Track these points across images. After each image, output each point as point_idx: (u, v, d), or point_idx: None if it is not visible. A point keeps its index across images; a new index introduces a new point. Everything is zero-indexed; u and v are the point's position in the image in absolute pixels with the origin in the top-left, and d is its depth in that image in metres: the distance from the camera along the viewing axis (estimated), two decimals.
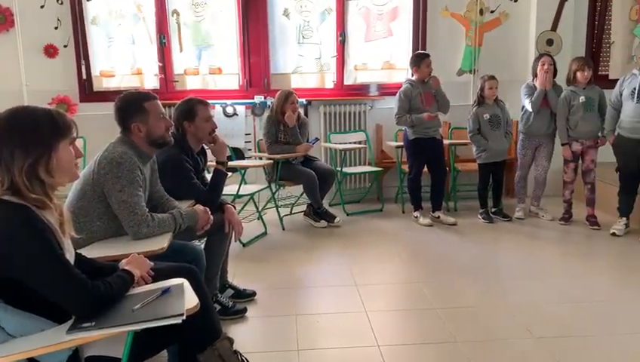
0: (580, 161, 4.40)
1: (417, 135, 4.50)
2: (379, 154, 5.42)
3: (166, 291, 1.71)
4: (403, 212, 4.97)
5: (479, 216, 4.67)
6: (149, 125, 2.40)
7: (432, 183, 4.69)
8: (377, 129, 5.41)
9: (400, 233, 4.44)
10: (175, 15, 5.19)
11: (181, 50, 5.24)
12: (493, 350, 2.54)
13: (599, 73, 5.37)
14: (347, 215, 4.90)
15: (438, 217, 4.63)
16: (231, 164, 4.25)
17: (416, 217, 4.66)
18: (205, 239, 2.89)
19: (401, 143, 4.90)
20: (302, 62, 5.32)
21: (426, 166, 4.65)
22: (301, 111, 4.91)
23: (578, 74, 4.23)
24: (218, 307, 2.87)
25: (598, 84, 4.41)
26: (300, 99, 4.89)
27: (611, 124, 4.13)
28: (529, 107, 4.40)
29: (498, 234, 4.35)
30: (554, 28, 5.14)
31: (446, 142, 4.92)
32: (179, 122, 2.93)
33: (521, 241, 4.19)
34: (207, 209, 2.54)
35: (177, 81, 5.26)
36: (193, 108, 2.92)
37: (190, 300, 1.65)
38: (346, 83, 5.38)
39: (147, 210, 2.29)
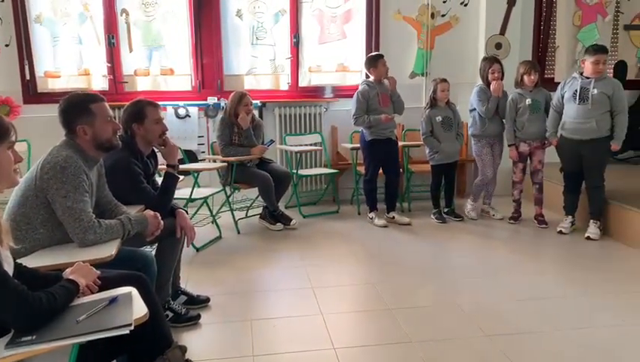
0: (529, 162, 4.53)
1: (374, 136, 4.54)
2: (334, 156, 5.44)
3: (113, 300, 1.65)
4: (359, 213, 5.00)
5: (432, 217, 4.75)
6: (95, 128, 2.31)
7: (386, 184, 4.74)
8: (332, 131, 5.43)
9: (356, 234, 4.46)
10: (124, 14, 5.05)
11: (131, 51, 5.10)
12: (447, 349, 2.57)
13: (545, 76, 5.55)
14: (303, 217, 4.89)
15: (393, 218, 4.68)
16: (183, 167, 4.18)
17: (372, 218, 4.69)
18: (156, 245, 2.81)
19: (357, 145, 4.93)
20: (256, 63, 5.27)
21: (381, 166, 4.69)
22: (256, 113, 4.86)
23: (525, 77, 4.36)
24: (170, 314, 2.80)
25: (545, 86, 4.56)
26: (254, 101, 4.84)
27: (554, 126, 4.26)
28: (484, 113, 4.48)
29: (451, 234, 4.43)
30: (502, 32, 5.28)
31: (400, 143, 4.99)
32: (127, 124, 2.84)
33: (472, 241, 4.28)
34: (157, 214, 2.47)
35: (127, 82, 5.11)
36: (142, 110, 2.83)
37: (139, 309, 1.60)
38: (300, 85, 5.37)
39: (94, 216, 2.21)
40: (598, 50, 4.01)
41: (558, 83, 4.40)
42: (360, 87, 4.57)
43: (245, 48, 5.24)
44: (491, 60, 4.57)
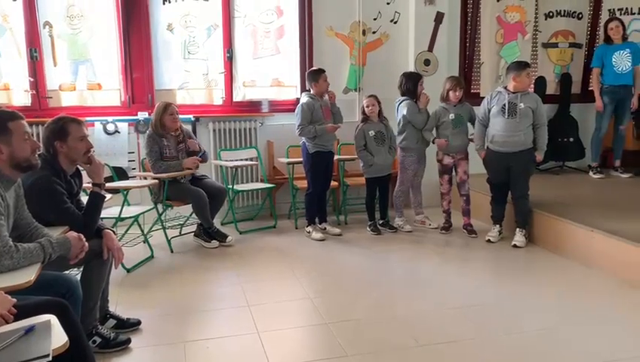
0: (454, 173, 4.69)
1: (317, 148, 4.56)
2: (271, 171, 5.41)
3: (29, 330, 1.56)
4: (296, 228, 4.99)
5: (368, 229, 4.81)
6: (12, 147, 2.19)
7: (319, 196, 4.78)
8: (269, 145, 5.41)
9: (293, 249, 4.44)
10: (47, 27, 4.84)
11: (55, 65, 4.89)
12: (382, 361, 2.60)
13: (471, 91, 5.80)
14: (240, 233, 4.82)
15: (324, 229, 4.72)
16: (112, 185, 4.04)
17: (309, 232, 4.70)
18: (82, 268, 2.68)
19: (294, 159, 4.94)
20: (188, 77, 5.19)
21: None
22: (189, 127, 4.77)
23: (450, 93, 4.52)
24: (99, 340, 2.68)
25: (471, 101, 4.75)
26: (187, 116, 4.76)
27: (481, 139, 4.45)
28: (420, 125, 4.63)
29: (386, 245, 4.50)
30: (430, 49, 5.47)
31: (335, 157, 5.04)
32: (49, 142, 2.70)
33: (406, 251, 4.36)
34: (81, 236, 2.35)
35: (51, 97, 4.89)
36: (65, 127, 2.70)
37: (58, 338, 1.52)
38: (235, 99, 5.33)
39: (10, 239, 2.08)
40: (526, 64, 4.30)
41: (484, 97, 4.60)
42: (304, 99, 4.59)
43: (177, 62, 5.15)
44: (418, 75, 4.74)
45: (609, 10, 6.04)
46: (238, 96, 5.32)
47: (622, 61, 5.49)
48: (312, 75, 4.62)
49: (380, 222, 4.88)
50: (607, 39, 5.59)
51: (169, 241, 4.41)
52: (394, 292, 3.51)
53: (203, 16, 5.14)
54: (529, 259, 4.12)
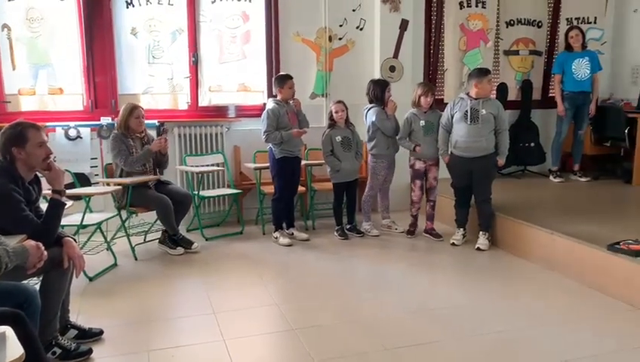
0: (424, 179, 4.75)
1: (284, 154, 4.55)
2: (237, 177, 5.38)
3: None
4: (263, 233, 4.96)
5: (335, 233, 4.83)
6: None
7: (286, 201, 4.78)
8: (235, 151, 5.38)
9: (260, 255, 4.42)
10: (6, 30, 4.70)
11: (14, 68, 4.76)
12: None
13: (436, 97, 5.86)
14: (206, 240, 4.77)
15: (292, 234, 4.73)
16: (72, 191, 3.94)
17: (277, 238, 4.68)
18: (42, 277, 2.61)
19: (261, 165, 4.93)
20: (153, 82, 5.11)
21: None
22: (153, 133, 4.70)
23: (422, 98, 4.57)
24: (59, 351, 2.61)
25: (436, 107, 4.80)
26: (152, 121, 4.70)
27: (445, 144, 4.52)
28: (389, 132, 4.66)
29: (353, 250, 4.52)
30: (395, 55, 5.54)
31: (303, 162, 5.04)
32: (6, 149, 2.62)
33: (373, 256, 4.40)
34: (40, 244, 2.29)
35: (10, 102, 4.75)
36: (23, 133, 2.63)
37: (13, 350, 1.47)
38: (200, 104, 5.28)
39: None
40: (487, 71, 4.40)
41: (448, 103, 4.68)
42: (270, 105, 4.58)
43: (141, 67, 5.07)
44: (386, 82, 4.79)
45: (567, 19, 6.23)
46: (203, 101, 5.28)
47: (581, 69, 5.67)
48: (279, 80, 4.62)
49: (348, 226, 4.90)
50: (568, 47, 5.76)
51: (133, 249, 4.32)
52: (361, 297, 3.53)
53: (168, 20, 5.08)
54: (492, 261, 4.20)
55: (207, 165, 5.06)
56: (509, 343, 2.84)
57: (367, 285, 3.78)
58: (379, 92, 4.71)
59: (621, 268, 3.36)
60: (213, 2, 5.18)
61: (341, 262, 4.25)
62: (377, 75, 5.41)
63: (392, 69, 5.54)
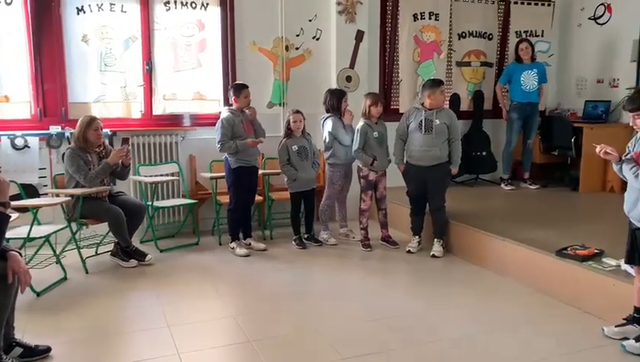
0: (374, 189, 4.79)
1: (240, 163, 4.52)
2: (193, 186, 5.30)
3: None
4: (220, 244, 4.90)
5: (293, 243, 4.82)
6: None
7: (244, 212, 4.74)
8: (191, 160, 5.30)
9: (217, 266, 4.36)
10: None
11: None
12: None
13: (391, 107, 5.98)
14: (160, 251, 4.67)
15: (249, 244, 4.69)
16: (20, 203, 3.80)
17: (233, 248, 4.63)
18: None
19: (217, 174, 4.87)
20: (105, 90, 4.99)
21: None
22: (106, 141, 4.58)
23: (372, 108, 4.62)
24: None
25: (391, 117, 4.91)
26: (104, 130, 4.57)
27: (401, 153, 4.59)
28: (354, 144, 4.65)
29: (311, 259, 4.52)
30: (352, 66, 5.60)
31: (260, 171, 5.02)
32: None
33: (331, 265, 4.41)
34: None
35: None
36: None
37: None
38: (155, 113, 5.18)
39: None
40: (440, 82, 4.49)
41: (404, 113, 4.76)
42: (224, 114, 4.54)
43: (93, 75, 4.94)
44: (342, 92, 4.83)
45: (516, 31, 6.46)
46: (158, 110, 5.18)
47: (529, 80, 5.87)
48: (235, 89, 4.60)
49: (306, 236, 4.90)
50: (518, 59, 5.97)
51: (84, 262, 4.19)
52: (318, 306, 3.52)
53: (120, 27, 4.98)
54: (447, 268, 4.28)
55: (162, 175, 4.97)
56: (462, 349, 2.90)
57: (325, 294, 3.78)
58: (335, 102, 4.75)
59: (569, 273, 3.48)
60: (167, 10, 5.11)
61: (299, 272, 4.24)
62: (334, 85, 5.46)
63: (349, 79, 5.60)
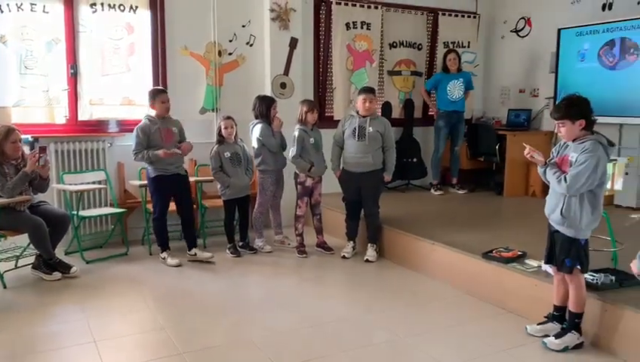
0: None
1: (159, 172, 4.39)
2: (122, 194, 5.11)
3: None
4: (150, 254, 4.75)
5: (227, 251, 4.75)
6: None
7: (181, 221, 4.63)
8: (119, 167, 5.11)
9: (147, 277, 4.22)
10: None
11: None
12: None
13: (326, 114, 6.04)
14: (87, 263, 4.46)
15: (195, 254, 4.57)
16: None
17: (164, 258, 4.50)
18: None
19: (146, 182, 4.72)
20: (25, 94, 4.72)
21: (174, 201, 4.56)
22: (26, 149, 4.34)
23: (308, 115, 4.64)
24: None
25: (326, 124, 4.95)
26: (24, 136, 4.32)
27: (337, 159, 4.64)
28: (291, 151, 4.65)
29: (246, 267, 4.47)
30: (286, 72, 5.61)
31: (192, 179, 4.92)
32: None
33: (266, 272, 4.38)
34: None
35: None
36: None
37: None
38: (80, 118, 4.96)
39: None
40: (365, 90, 4.55)
41: (338, 120, 4.83)
42: (141, 122, 4.41)
43: (12, 78, 4.67)
44: (271, 99, 4.81)
45: (444, 42, 6.70)
46: (84, 115, 4.97)
47: (455, 90, 6.10)
48: (151, 95, 4.46)
49: (240, 243, 4.84)
50: (445, 68, 6.19)
51: (1, 275, 3.93)
52: (252, 315, 3.49)
53: (42, 29, 4.73)
54: (380, 272, 4.36)
55: (88, 183, 4.76)
56: (394, 352, 2.96)
57: (260, 302, 3.75)
58: (264, 109, 4.73)
59: (494, 274, 3.63)
60: (94, 12, 4.92)
61: (233, 280, 4.18)
62: (268, 91, 5.44)
63: (283, 85, 5.60)
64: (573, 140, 2.85)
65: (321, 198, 4.80)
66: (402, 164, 6.25)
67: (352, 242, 4.72)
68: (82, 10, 4.87)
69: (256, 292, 3.98)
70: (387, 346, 3.02)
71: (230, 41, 5.50)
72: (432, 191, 6.28)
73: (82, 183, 4.72)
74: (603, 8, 5.67)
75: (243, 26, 5.55)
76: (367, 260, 4.53)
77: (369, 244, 4.61)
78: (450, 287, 3.92)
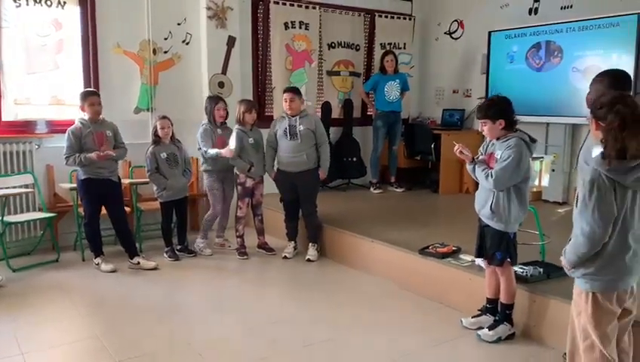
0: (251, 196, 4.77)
1: (89, 175, 4.22)
2: (51, 199, 4.87)
3: None
4: (83, 260, 4.55)
5: (165, 255, 4.63)
6: None
7: (115, 228, 4.48)
8: (48, 170, 4.87)
9: (80, 284, 4.05)
10: None
11: None
12: None
13: (266, 114, 6.00)
14: (13, 271, 4.23)
15: (138, 263, 4.39)
16: None
17: (98, 264, 4.34)
18: None
19: (76, 185, 4.53)
20: None
21: (105, 208, 4.39)
22: None
23: (246, 115, 4.59)
24: None
25: (266, 124, 4.88)
26: None
27: (272, 159, 4.63)
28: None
29: (184, 271, 4.37)
30: (224, 71, 5.54)
31: (126, 181, 4.77)
32: None
33: (206, 276, 4.30)
34: None
35: None
36: None
37: None
38: (4, 119, 4.69)
39: None
40: (287, 89, 4.59)
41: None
42: (74, 124, 4.23)
43: None
44: (217, 99, 4.74)
45: (381, 44, 6.81)
46: (8, 116, 4.70)
47: (392, 91, 6.22)
48: (81, 96, 4.27)
49: (178, 247, 4.74)
50: (382, 69, 6.29)
51: None
52: (191, 320, 3.41)
53: None
54: (321, 271, 4.39)
55: (14, 187, 4.50)
56: (334, 351, 2.98)
57: (199, 306, 3.68)
58: (209, 107, 4.68)
59: (431, 270, 3.73)
60: (18, 6, 4.65)
61: (171, 285, 4.08)
62: (206, 91, 5.35)
63: (221, 85, 5.52)
64: (498, 138, 2.98)
65: (262, 199, 4.77)
66: (342, 164, 6.32)
67: (293, 242, 4.71)
68: (4, 5, 4.60)
69: (196, 297, 3.90)
70: (327, 345, 3.04)
71: (165, 39, 5.36)
72: (372, 189, 6.37)
73: (7, 187, 4.46)
74: (530, 12, 5.95)
75: (179, 24, 5.42)
76: (308, 260, 4.54)
77: (310, 244, 4.63)
78: (389, 284, 3.99)
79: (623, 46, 4.91)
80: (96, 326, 3.30)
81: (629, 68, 4.70)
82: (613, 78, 2.53)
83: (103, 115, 4.36)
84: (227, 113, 4.76)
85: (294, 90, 4.57)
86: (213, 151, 4.58)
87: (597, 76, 2.61)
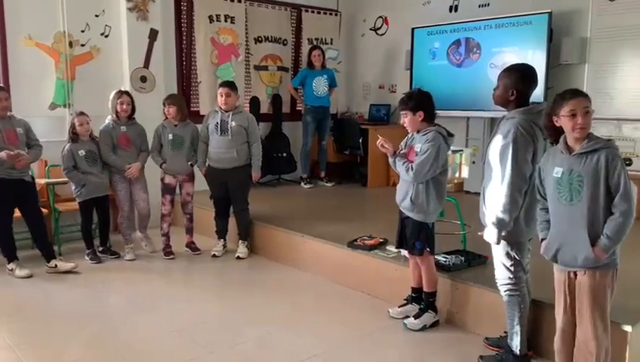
0: (179, 193, 4.64)
1: (1, 175, 3.94)
2: None
3: None
4: None
5: (86, 258, 4.43)
6: None
7: (30, 231, 4.22)
8: None
9: None
10: None
11: None
12: None
13: (192, 109, 5.85)
14: None
15: (55, 266, 4.15)
16: None
17: (12, 269, 4.08)
18: None
19: None
20: None
21: (19, 210, 4.13)
22: None
23: (167, 109, 4.44)
24: None
25: (192, 119, 4.73)
26: None
27: (203, 155, 4.52)
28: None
29: (107, 274, 4.20)
30: (146, 65, 5.34)
31: (43, 181, 4.51)
32: None
33: (130, 277, 4.15)
34: None
35: None
36: None
37: None
38: None
39: None
40: (222, 84, 4.47)
41: (204, 115, 4.70)
42: None
43: None
44: (119, 93, 4.43)
45: (308, 39, 6.82)
46: None
47: (320, 86, 6.26)
48: None
49: (100, 248, 4.54)
50: (310, 64, 6.31)
51: None
52: (115, 324, 3.28)
53: None
54: (251, 269, 4.35)
55: None
56: (262, 348, 2.96)
57: (123, 310, 3.54)
58: (113, 103, 4.41)
59: (359, 262, 3.79)
60: None
61: (93, 289, 3.90)
62: (127, 86, 5.14)
63: (144, 79, 5.33)
64: (418, 132, 3.07)
65: (190, 198, 4.64)
66: (272, 159, 6.29)
67: (222, 240, 4.64)
68: None
69: (119, 300, 3.76)
70: (256, 343, 3.02)
71: (82, 31, 5.11)
72: (302, 184, 6.39)
73: None
74: (450, 10, 6.16)
75: (96, 16, 5.18)
76: (238, 257, 4.49)
77: (240, 241, 4.57)
78: (319, 277, 4.02)
79: (537, 43, 5.18)
80: (9, 336, 3.09)
81: (541, 64, 4.99)
82: (520, 73, 2.64)
83: (14, 111, 4.09)
84: (133, 108, 4.46)
85: (231, 85, 4.45)
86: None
87: (503, 71, 2.68)
